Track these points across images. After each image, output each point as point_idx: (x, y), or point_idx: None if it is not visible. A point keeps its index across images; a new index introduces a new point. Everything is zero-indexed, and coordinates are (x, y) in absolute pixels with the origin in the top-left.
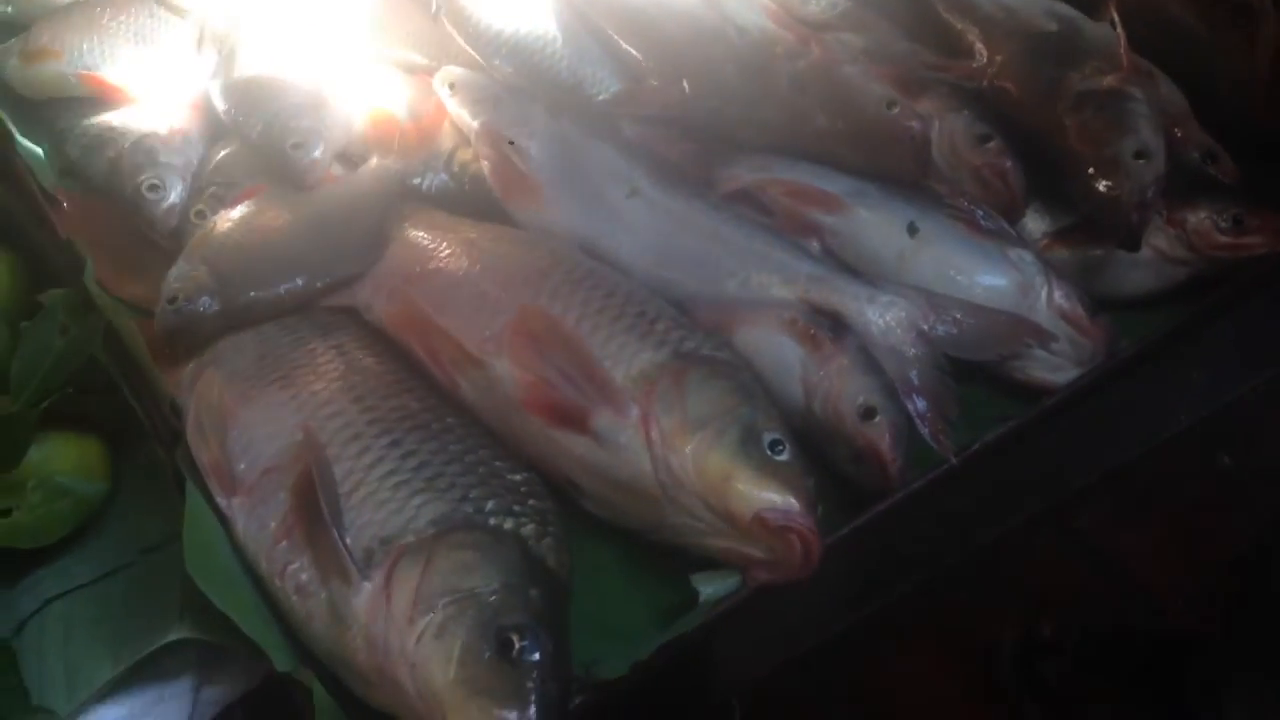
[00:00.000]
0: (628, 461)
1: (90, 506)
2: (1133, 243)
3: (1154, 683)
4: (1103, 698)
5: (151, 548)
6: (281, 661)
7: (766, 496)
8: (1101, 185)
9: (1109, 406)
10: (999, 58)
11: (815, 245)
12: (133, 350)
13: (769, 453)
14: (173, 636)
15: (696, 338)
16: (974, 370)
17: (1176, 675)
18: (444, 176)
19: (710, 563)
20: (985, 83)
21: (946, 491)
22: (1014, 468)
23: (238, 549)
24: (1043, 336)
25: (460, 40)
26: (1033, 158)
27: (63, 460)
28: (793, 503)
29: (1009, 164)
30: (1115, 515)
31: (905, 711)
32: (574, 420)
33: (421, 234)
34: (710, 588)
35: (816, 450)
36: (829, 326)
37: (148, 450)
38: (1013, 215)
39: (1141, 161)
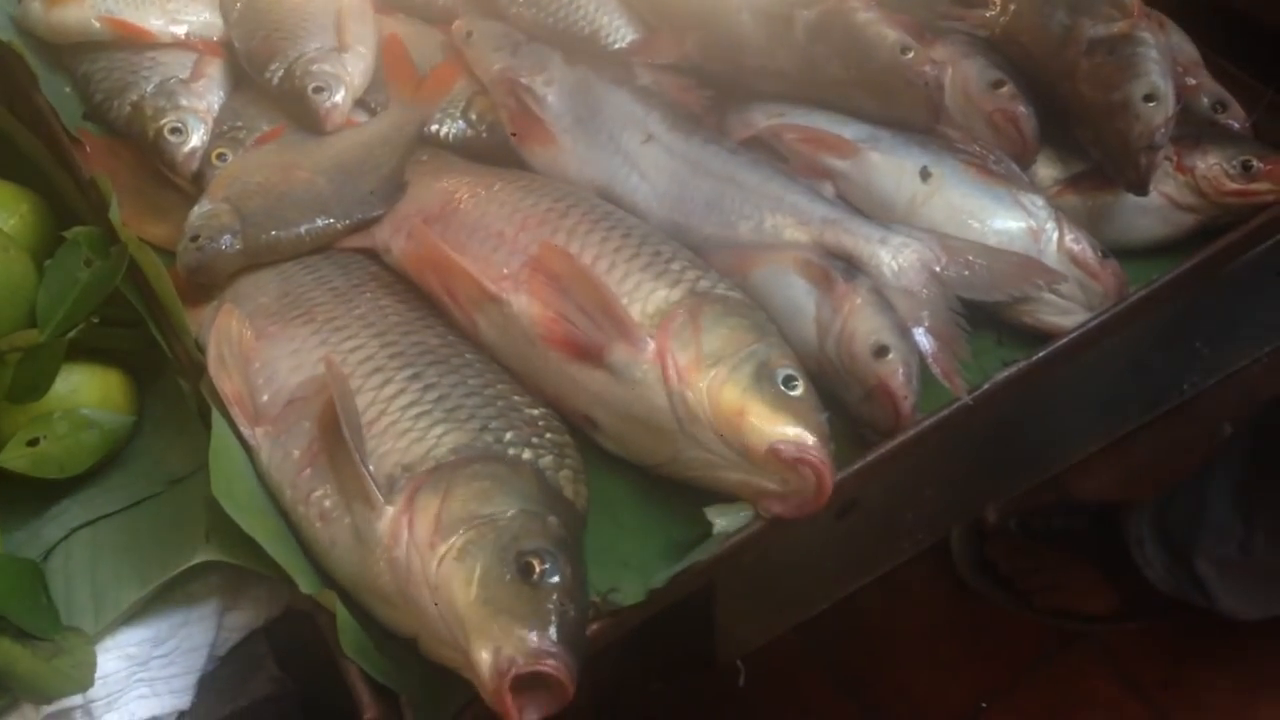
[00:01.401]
0: (642, 396)
1: (116, 438)
2: (1141, 186)
3: (1096, 543)
4: (1049, 566)
5: (176, 479)
6: (306, 584)
7: (780, 430)
8: (1111, 128)
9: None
10: (1012, 5)
11: (829, 189)
12: (157, 285)
13: (782, 388)
14: (199, 559)
15: (711, 277)
16: (983, 315)
17: (1117, 534)
18: (461, 123)
19: (723, 496)
20: (998, 30)
21: (952, 441)
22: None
23: (262, 478)
24: (1053, 278)
25: None
26: (1044, 104)
27: (89, 392)
28: (806, 435)
29: (1021, 109)
30: (1115, 482)
31: (881, 627)
32: (591, 355)
33: (439, 177)
34: (724, 520)
35: (829, 392)
36: (842, 268)
37: (172, 383)
38: (1025, 160)
39: (1151, 104)
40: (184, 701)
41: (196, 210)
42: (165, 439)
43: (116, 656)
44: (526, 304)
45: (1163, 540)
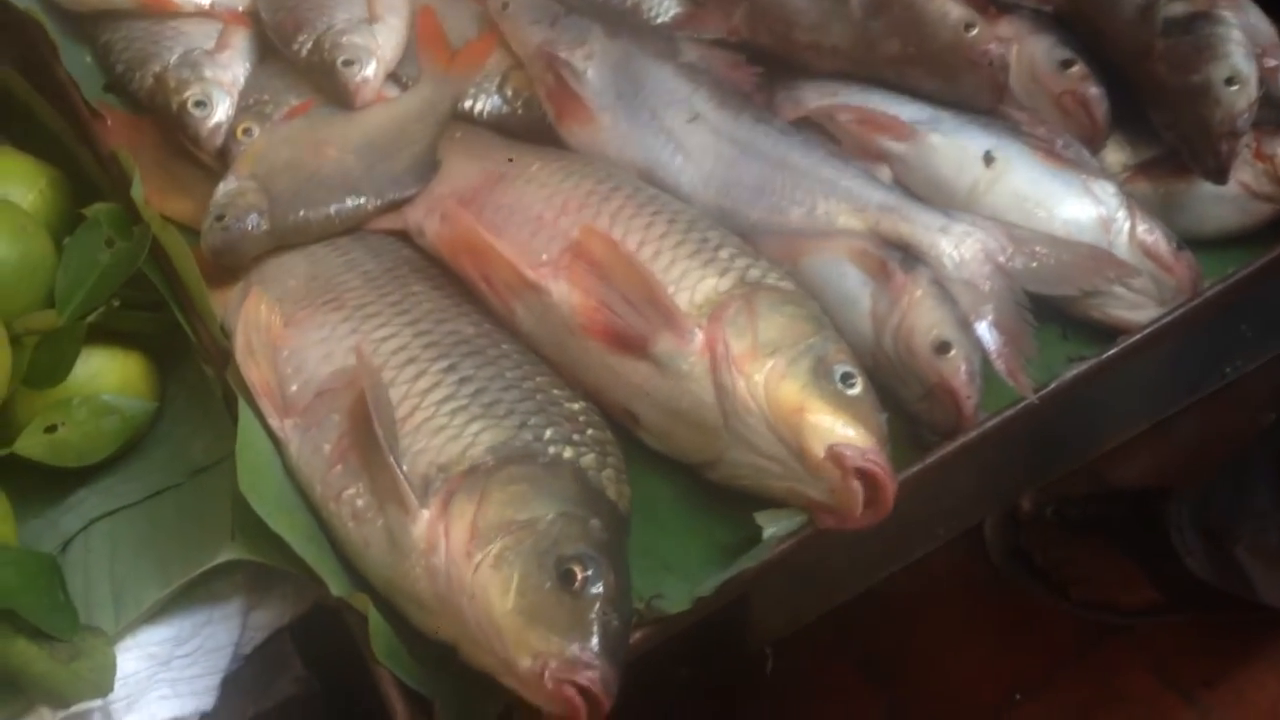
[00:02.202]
0: (688, 390)
1: (137, 425)
2: (1221, 174)
3: (1134, 532)
4: (1085, 556)
5: (200, 469)
6: (337, 586)
7: (842, 431)
8: (1189, 113)
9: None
10: None
11: (886, 173)
12: (180, 267)
13: (841, 385)
14: (224, 558)
15: (762, 265)
16: (1047, 307)
17: (1155, 522)
18: (496, 99)
19: (769, 502)
20: (1067, 6)
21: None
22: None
23: (291, 472)
24: (1126, 272)
25: None
26: (1114, 85)
27: (109, 377)
28: (869, 439)
29: (1092, 90)
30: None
31: (912, 615)
32: (634, 346)
33: (474, 156)
34: (775, 525)
35: (884, 390)
36: (900, 258)
37: (195, 368)
38: (1095, 145)
39: (1233, 88)
40: (207, 703)
41: (221, 188)
42: (188, 426)
43: (137, 656)
44: (566, 291)
45: (1203, 528)
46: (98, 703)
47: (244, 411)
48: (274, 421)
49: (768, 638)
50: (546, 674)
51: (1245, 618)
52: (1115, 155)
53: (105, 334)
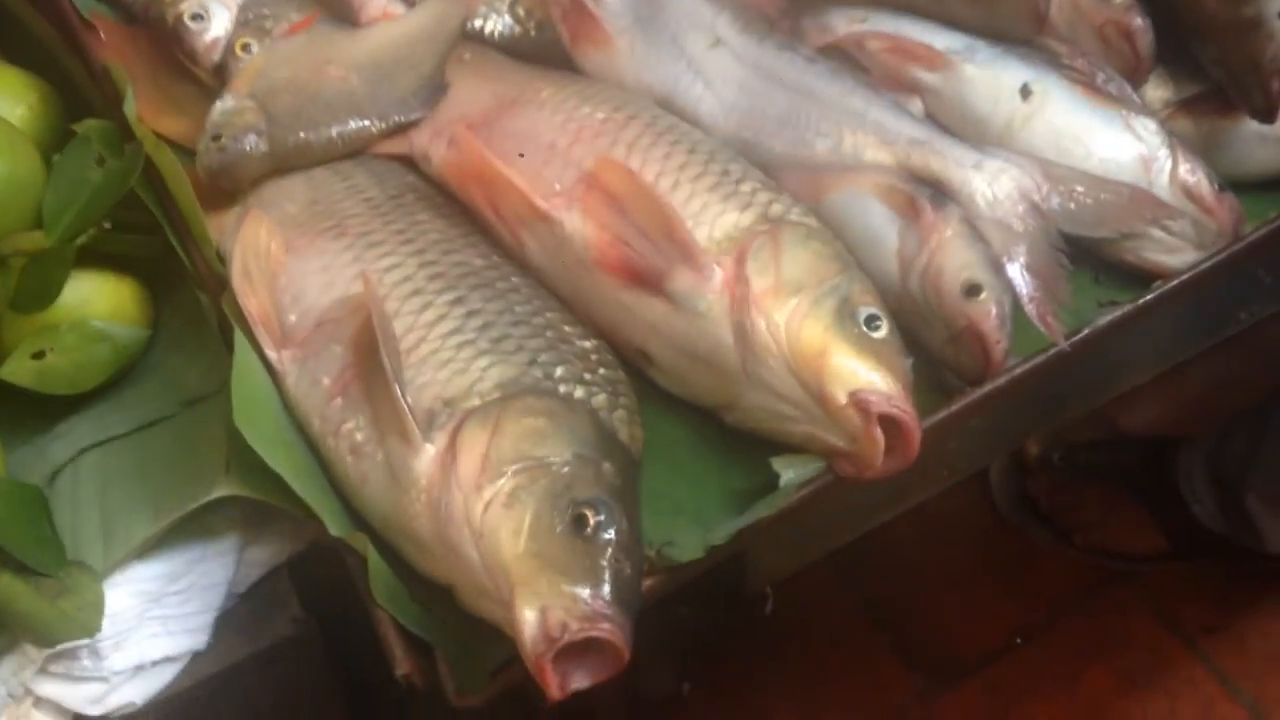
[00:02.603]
0: (705, 330)
1: (129, 352)
2: (1270, 113)
3: (1143, 479)
4: (1092, 503)
5: (194, 399)
6: (335, 525)
7: (866, 375)
8: (1238, 47)
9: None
10: None
11: (917, 106)
12: (175, 188)
13: (865, 328)
14: (218, 493)
15: (785, 201)
16: (1079, 250)
17: (1164, 469)
18: (508, 19)
19: (786, 448)
20: None
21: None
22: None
23: (288, 406)
24: (1168, 213)
25: None
26: (1157, 16)
27: (100, 302)
28: (893, 385)
29: (1137, 21)
30: (1165, 416)
31: (915, 558)
32: (649, 282)
33: (485, 79)
34: (791, 472)
35: (908, 333)
36: (930, 195)
37: (189, 295)
38: (1137, 79)
39: None
40: (199, 641)
41: (219, 106)
42: (182, 355)
43: (127, 593)
44: (580, 224)
45: (1214, 476)
46: (85, 639)
47: (240, 341)
48: (271, 352)
49: (768, 579)
50: (563, 635)
51: (1251, 566)
52: (1156, 91)
53: (96, 258)
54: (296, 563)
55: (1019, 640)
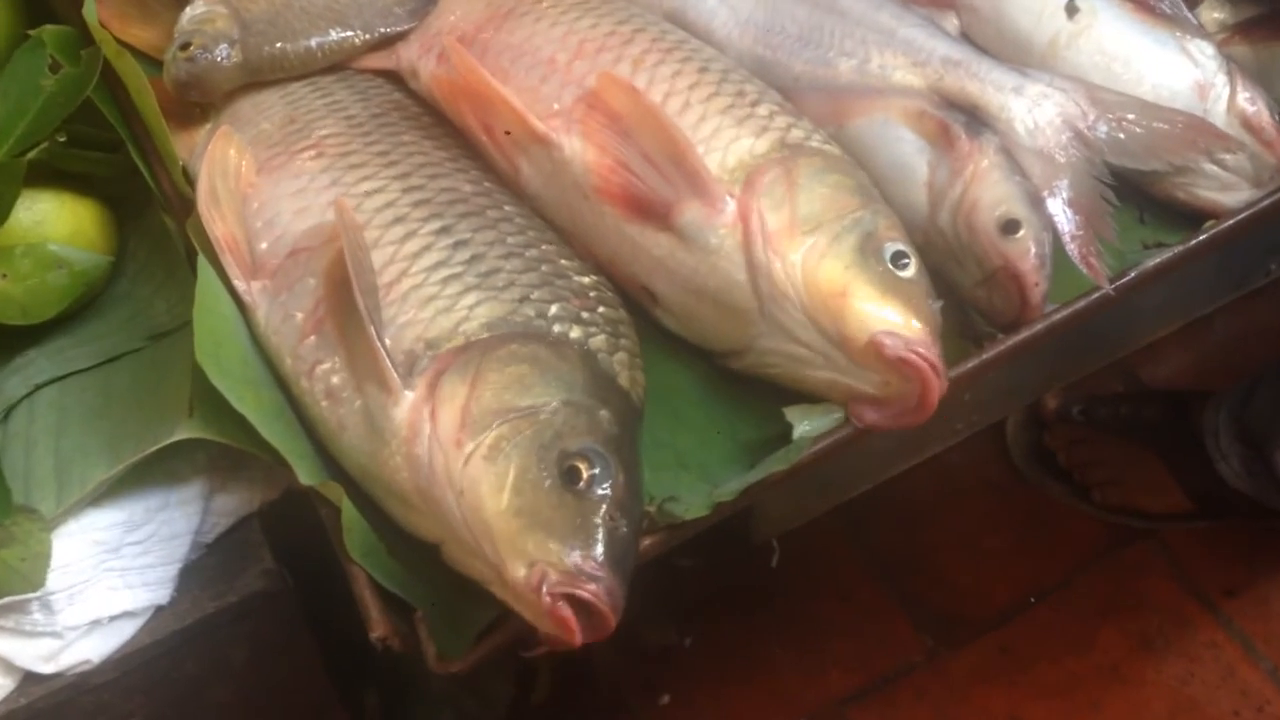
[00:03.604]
0: (716, 267)
1: (90, 280)
2: None
3: (1165, 435)
4: (1112, 459)
5: (161, 333)
6: (306, 473)
7: (888, 316)
8: None
9: None
10: None
11: (952, 23)
12: (138, 100)
13: (891, 266)
14: (180, 436)
15: (805, 126)
16: (1125, 186)
17: (1189, 425)
18: None
19: (802, 396)
20: None
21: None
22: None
23: (258, 342)
24: (1227, 144)
25: None
26: None
27: (58, 225)
28: (918, 328)
29: None
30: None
31: (926, 512)
32: (655, 213)
33: None
34: (806, 423)
35: (937, 272)
36: (965, 122)
37: (158, 220)
38: None
39: None
40: (162, 595)
41: (188, 13)
42: (150, 285)
43: (82, 542)
44: (580, 148)
45: (1240, 433)
46: (34, 594)
47: (204, 269)
48: (239, 283)
49: (775, 531)
50: (544, 586)
51: (1276, 526)
52: (1213, 13)
53: (53, 176)
54: (269, 512)
55: (1032, 599)
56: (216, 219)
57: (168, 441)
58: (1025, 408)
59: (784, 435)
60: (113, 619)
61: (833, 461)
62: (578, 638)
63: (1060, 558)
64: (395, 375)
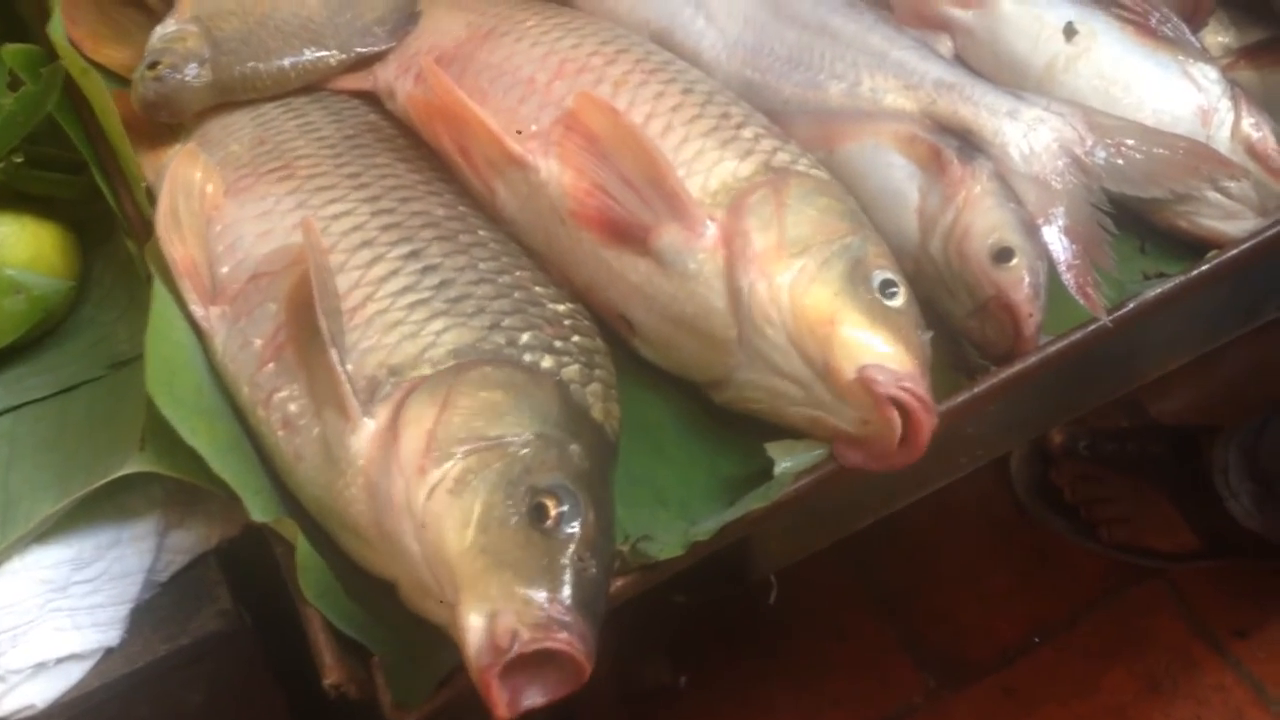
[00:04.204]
0: (695, 293)
1: (49, 306)
2: None
3: (1174, 472)
4: (1119, 495)
5: (122, 361)
6: (259, 509)
7: (876, 347)
8: None
9: None
10: None
11: (947, 45)
12: (102, 119)
13: (879, 295)
14: (129, 469)
15: (792, 150)
16: (1124, 215)
17: (1198, 461)
18: None
19: (784, 431)
20: None
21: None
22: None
23: (215, 370)
24: (1231, 170)
25: None
26: None
27: (17, 248)
28: (908, 362)
29: None
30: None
31: (928, 548)
32: (633, 238)
33: (459, 7)
34: (789, 460)
35: (927, 301)
36: (958, 146)
37: (125, 244)
38: (1197, 21)
39: None
40: (111, 637)
41: (159, 31)
42: (114, 311)
43: (27, 580)
44: (556, 170)
45: (1251, 470)
46: None
47: (160, 294)
48: (197, 309)
49: (772, 567)
50: (514, 645)
51: None
52: (1217, 36)
53: (13, 198)
54: (228, 549)
55: (1037, 639)
56: (176, 241)
57: (116, 475)
58: (1030, 442)
59: (766, 471)
60: (59, 661)
61: (829, 496)
62: (504, 710)
63: (1065, 596)
64: (355, 401)
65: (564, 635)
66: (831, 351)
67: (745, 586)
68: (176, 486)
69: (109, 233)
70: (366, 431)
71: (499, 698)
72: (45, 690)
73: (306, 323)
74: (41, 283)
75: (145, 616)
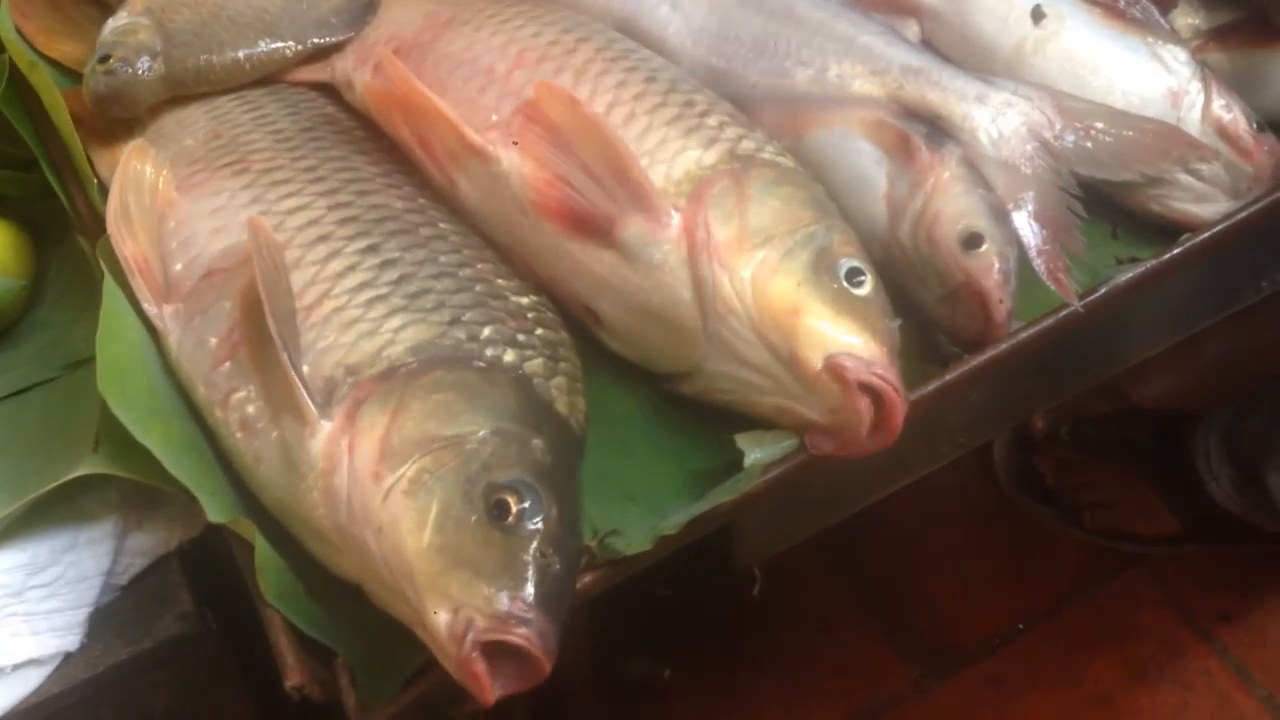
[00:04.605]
0: (661, 284)
1: (3, 306)
2: None
3: (1156, 456)
4: (1102, 481)
5: (78, 361)
6: (216, 510)
7: (844, 338)
8: None
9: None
10: None
11: (914, 30)
12: (52, 114)
13: (846, 283)
14: (81, 471)
15: (757, 138)
16: (1096, 199)
17: (1179, 446)
18: None
19: (755, 423)
20: None
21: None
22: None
23: (170, 369)
24: (1201, 152)
25: None
26: None
27: None
28: (875, 350)
29: None
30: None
31: (911, 538)
32: (597, 229)
33: None
34: (758, 451)
35: (897, 289)
36: (926, 132)
37: (79, 245)
38: (1166, 2)
39: None
40: (70, 642)
41: (110, 25)
42: (70, 312)
43: None
44: (518, 161)
45: (1231, 453)
46: None
47: (111, 292)
48: (150, 307)
49: (757, 559)
50: (468, 634)
51: (1271, 550)
52: (1186, 18)
53: None
54: (190, 551)
55: (1021, 627)
56: (127, 238)
57: (70, 477)
58: (1012, 430)
59: (735, 464)
60: (16, 667)
61: (811, 487)
62: (490, 694)
63: (1049, 584)
64: (311, 405)
65: (523, 631)
66: (796, 342)
67: (729, 579)
68: (133, 489)
69: (65, 233)
70: (323, 434)
71: (485, 681)
72: (3, 696)
73: (261, 322)
74: None
75: (106, 621)
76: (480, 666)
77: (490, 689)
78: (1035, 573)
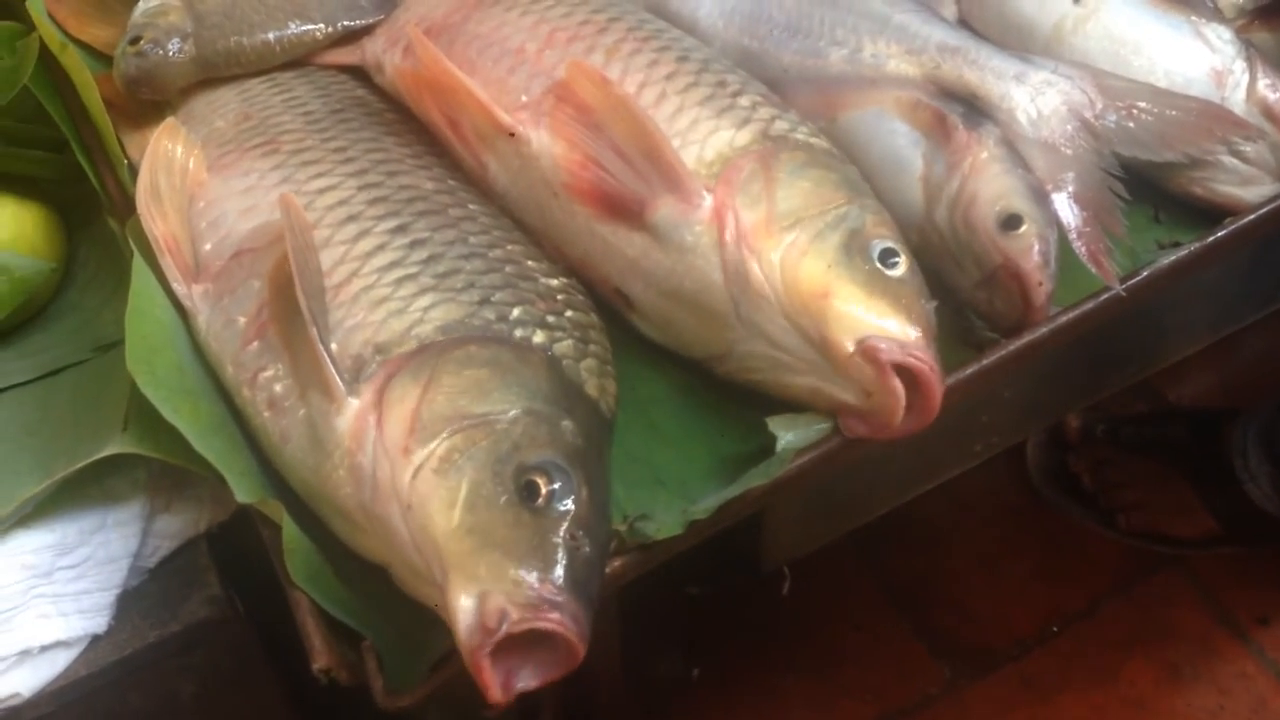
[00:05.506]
0: (693, 267)
1: (31, 288)
2: None
3: (1193, 456)
4: (1138, 481)
5: (109, 344)
6: (244, 490)
7: (876, 320)
8: None
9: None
10: None
11: (951, 8)
12: (85, 97)
13: (879, 265)
14: (111, 450)
15: (790, 118)
16: (1138, 182)
17: (1217, 445)
18: None
19: (788, 405)
20: None
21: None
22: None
23: (199, 349)
24: (1247, 132)
25: None
26: None
27: None
28: (910, 331)
29: None
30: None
31: (943, 537)
32: (628, 211)
33: None
34: (792, 434)
35: (933, 272)
36: (963, 112)
37: (109, 227)
38: None
39: None
40: (98, 624)
41: (141, 7)
42: (100, 294)
43: (9, 565)
44: (548, 142)
45: (1270, 452)
46: None
47: (140, 271)
48: (179, 286)
49: (785, 558)
50: (503, 625)
51: None
52: None
53: None
54: (218, 534)
55: (1055, 629)
56: (157, 217)
57: (98, 456)
58: (1045, 429)
59: (767, 448)
60: (44, 649)
61: (844, 481)
62: (496, 693)
63: (1083, 584)
64: (339, 381)
65: (555, 615)
66: (828, 325)
67: (758, 578)
68: (162, 471)
69: (94, 215)
70: (351, 411)
71: (491, 680)
72: (31, 678)
73: (290, 301)
74: (23, 264)
75: (134, 603)
76: (488, 667)
77: (497, 687)
78: (1069, 574)
